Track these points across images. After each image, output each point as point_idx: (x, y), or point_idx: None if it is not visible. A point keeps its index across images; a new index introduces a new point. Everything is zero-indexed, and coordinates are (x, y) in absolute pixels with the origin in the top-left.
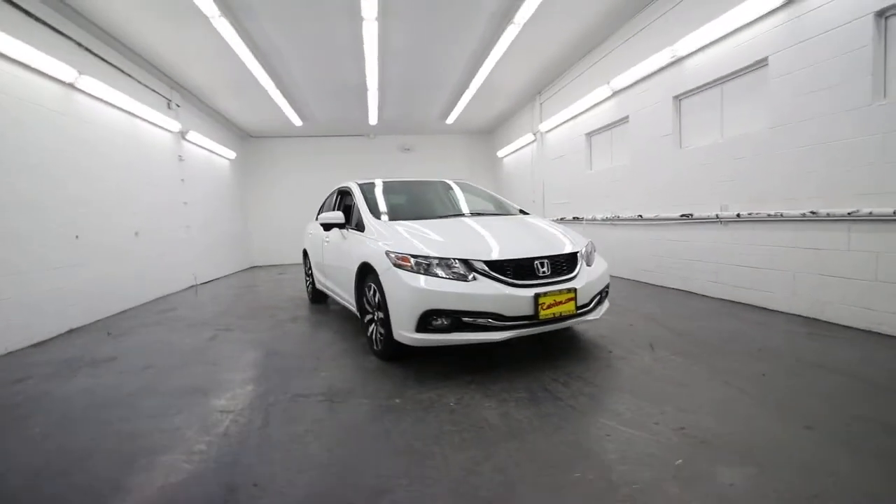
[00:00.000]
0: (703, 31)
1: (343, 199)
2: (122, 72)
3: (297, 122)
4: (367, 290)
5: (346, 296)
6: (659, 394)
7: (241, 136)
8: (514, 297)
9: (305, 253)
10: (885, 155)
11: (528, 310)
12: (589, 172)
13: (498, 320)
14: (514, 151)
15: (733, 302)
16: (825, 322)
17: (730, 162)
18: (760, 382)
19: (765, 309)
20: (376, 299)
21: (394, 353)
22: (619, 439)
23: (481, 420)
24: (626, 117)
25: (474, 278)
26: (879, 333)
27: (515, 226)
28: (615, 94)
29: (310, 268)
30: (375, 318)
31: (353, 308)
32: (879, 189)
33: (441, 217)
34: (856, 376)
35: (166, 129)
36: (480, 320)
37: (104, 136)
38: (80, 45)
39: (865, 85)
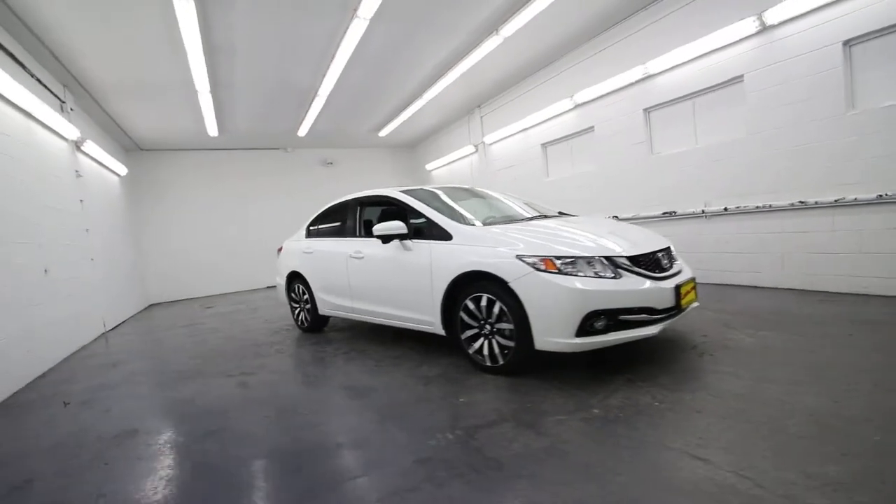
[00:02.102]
0: (676, 52)
1: (363, 211)
2: (15, 60)
3: (214, 131)
4: (469, 302)
5: (404, 314)
6: (818, 365)
7: (130, 147)
8: (663, 290)
9: (294, 276)
10: (859, 153)
11: (671, 301)
12: (546, 180)
13: (651, 314)
14: (448, 164)
15: (721, 285)
16: (817, 291)
17: (709, 164)
18: (859, 342)
19: (755, 287)
20: (494, 310)
21: (521, 366)
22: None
23: (713, 414)
24: (592, 127)
25: (619, 275)
26: (868, 294)
27: (602, 224)
28: (578, 106)
29: (302, 292)
30: (489, 331)
31: (430, 327)
32: (858, 180)
33: (521, 221)
34: None
35: (63, 137)
36: (637, 316)
37: (2, 142)
38: None
39: (839, 98)
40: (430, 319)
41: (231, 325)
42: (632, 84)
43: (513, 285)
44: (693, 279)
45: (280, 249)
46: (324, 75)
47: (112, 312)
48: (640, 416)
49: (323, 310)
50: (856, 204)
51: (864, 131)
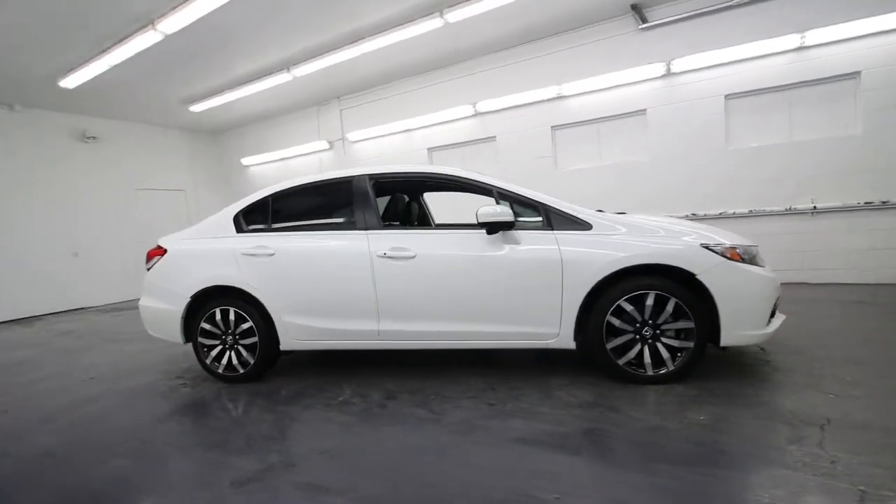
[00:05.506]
0: (591, 80)
1: (376, 194)
2: None
3: None
4: (625, 303)
5: (500, 330)
6: (845, 331)
7: None
8: None
9: (213, 295)
10: (735, 179)
11: None
12: None
13: None
14: (283, 160)
15: None
16: None
17: (615, 181)
18: (833, 312)
19: None
20: (668, 308)
21: (693, 369)
22: None
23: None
24: (494, 137)
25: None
26: None
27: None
28: (479, 114)
29: (237, 320)
30: (650, 334)
31: (548, 341)
32: (735, 199)
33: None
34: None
35: None
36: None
37: None
38: None
39: (721, 137)
40: (547, 331)
41: (27, 408)
42: (543, 101)
43: (702, 277)
44: None
45: (157, 253)
46: (184, 2)
47: None
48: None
49: (292, 342)
50: (733, 216)
51: (738, 163)
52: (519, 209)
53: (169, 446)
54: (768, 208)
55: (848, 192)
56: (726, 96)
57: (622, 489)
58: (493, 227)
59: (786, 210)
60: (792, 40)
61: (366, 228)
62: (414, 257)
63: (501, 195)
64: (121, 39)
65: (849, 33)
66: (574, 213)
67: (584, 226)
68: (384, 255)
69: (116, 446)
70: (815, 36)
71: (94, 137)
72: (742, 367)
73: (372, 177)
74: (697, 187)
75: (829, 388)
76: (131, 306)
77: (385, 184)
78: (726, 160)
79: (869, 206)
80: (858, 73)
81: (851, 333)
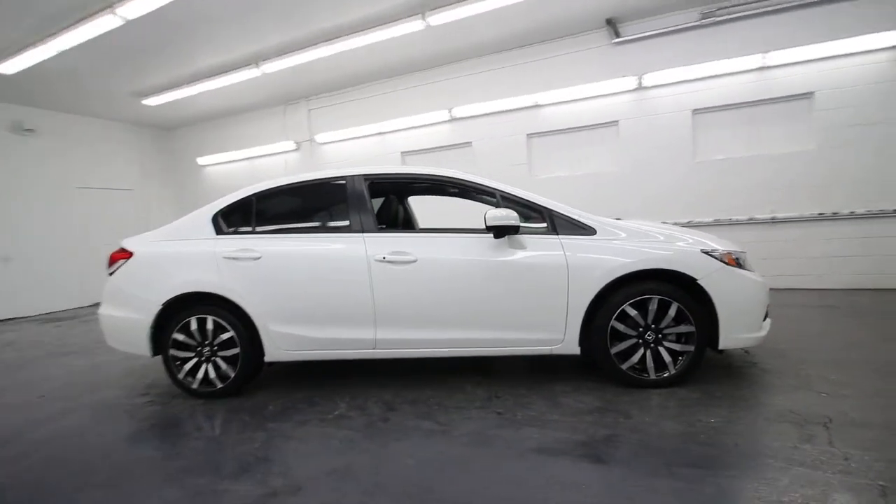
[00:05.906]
0: (567, 90)
1: (371, 194)
2: None
3: None
4: (629, 308)
5: (502, 336)
6: (827, 334)
7: None
8: None
9: (188, 302)
10: (701, 189)
11: None
12: None
13: None
14: (247, 159)
15: None
16: None
17: (589, 189)
18: (810, 317)
19: None
20: (670, 313)
21: (692, 373)
22: None
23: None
24: (469, 143)
25: None
26: None
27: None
28: (455, 120)
29: (215, 330)
30: (652, 339)
31: (552, 347)
32: (700, 208)
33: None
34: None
35: None
36: None
37: None
38: None
39: (688, 150)
40: (552, 337)
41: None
42: (519, 109)
43: (703, 282)
44: None
45: (121, 256)
46: None
47: None
48: None
49: (280, 352)
50: (700, 225)
51: (703, 175)
52: (523, 214)
53: (148, 473)
54: (731, 217)
55: (804, 204)
56: (693, 111)
57: (651, 496)
58: (500, 231)
59: (747, 220)
60: (755, 60)
61: (362, 231)
62: (415, 262)
63: (505, 199)
64: (73, 22)
65: (804, 56)
66: (578, 218)
67: (588, 231)
68: (383, 260)
69: (86, 475)
70: (775, 57)
71: (31, 130)
72: (732, 370)
73: (368, 177)
74: (666, 197)
75: (819, 388)
76: (73, 315)
77: (379, 185)
78: (693, 172)
79: (822, 217)
80: (812, 93)
81: (826, 336)
